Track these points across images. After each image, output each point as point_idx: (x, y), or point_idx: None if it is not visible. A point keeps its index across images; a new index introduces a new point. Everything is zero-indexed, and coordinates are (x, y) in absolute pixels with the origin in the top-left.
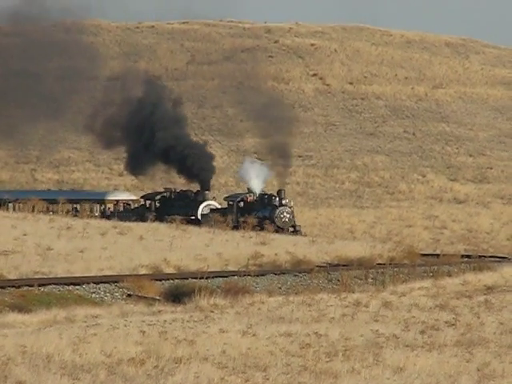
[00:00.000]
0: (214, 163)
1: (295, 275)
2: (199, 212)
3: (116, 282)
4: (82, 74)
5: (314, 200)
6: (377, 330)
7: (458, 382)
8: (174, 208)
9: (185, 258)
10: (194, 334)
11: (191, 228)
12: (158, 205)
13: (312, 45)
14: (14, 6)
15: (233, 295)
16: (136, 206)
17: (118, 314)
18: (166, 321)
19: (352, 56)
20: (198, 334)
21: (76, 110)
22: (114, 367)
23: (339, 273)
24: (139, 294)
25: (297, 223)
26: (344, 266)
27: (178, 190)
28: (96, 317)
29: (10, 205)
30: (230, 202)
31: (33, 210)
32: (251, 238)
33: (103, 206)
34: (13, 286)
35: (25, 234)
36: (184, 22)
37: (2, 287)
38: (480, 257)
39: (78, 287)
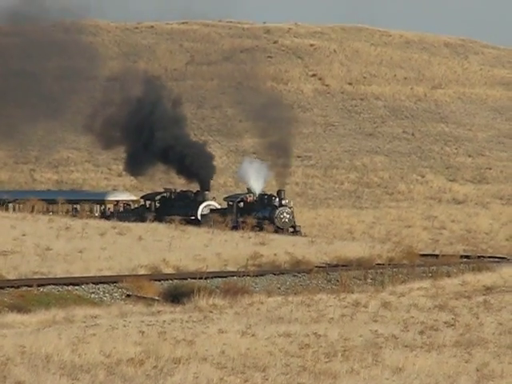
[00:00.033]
0: (214, 163)
1: (294, 275)
2: (199, 212)
3: (115, 282)
4: (82, 74)
5: (313, 200)
6: (376, 331)
7: (456, 383)
8: (174, 208)
9: (184, 258)
10: (193, 334)
11: (190, 228)
12: (157, 205)
13: (311, 45)
14: (13, 6)
15: (232, 295)
16: (136, 206)
17: (117, 314)
18: (165, 321)
19: (351, 56)
20: (197, 335)
21: (75, 110)
22: (113, 367)
23: (338, 273)
24: (138, 295)
25: (296, 223)
26: (343, 266)
27: (177, 191)
28: (95, 317)
29: (10, 205)
30: (230, 203)
31: (32, 211)
32: (250, 238)
33: (103, 207)
34: (12, 287)
35: (24, 235)
36: (183, 23)
37: (1, 287)
38: (479, 257)
39: (77, 287)
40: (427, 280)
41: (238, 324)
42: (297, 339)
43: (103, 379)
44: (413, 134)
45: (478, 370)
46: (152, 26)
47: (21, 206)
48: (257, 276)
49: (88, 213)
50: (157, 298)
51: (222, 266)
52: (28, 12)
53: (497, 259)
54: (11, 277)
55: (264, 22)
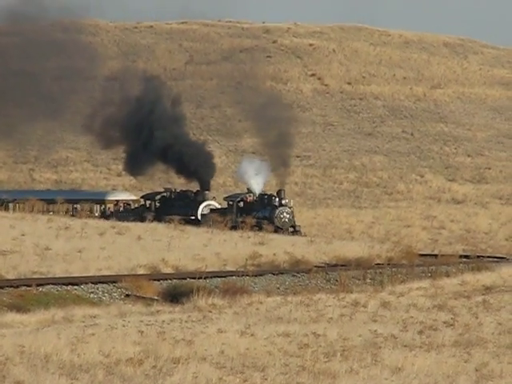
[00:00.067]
0: (214, 162)
1: (293, 275)
2: (199, 212)
3: (114, 282)
4: (81, 73)
5: (313, 200)
6: (375, 330)
7: (456, 383)
8: (174, 208)
9: (183, 258)
10: (192, 334)
11: (189, 228)
12: (157, 205)
13: (310, 45)
14: (11, 5)
15: (231, 295)
16: (136, 206)
17: (116, 314)
18: (164, 321)
19: (350, 56)
20: (196, 334)
21: (74, 109)
22: (112, 367)
23: (337, 273)
24: (137, 294)
25: (296, 223)
26: (342, 266)
27: (178, 190)
28: (94, 317)
29: (10, 205)
30: (230, 202)
31: (32, 210)
32: (249, 238)
33: (103, 206)
34: (11, 286)
35: (23, 234)
36: (182, 22)
37: (1, 287)
38: (478, 257)
39: (76, 287)
40: (426, 280)
41: (237, 324)
42: (296, 339)
43: (102, 379)
44: (412, 134)
45: (477, 370)
46: (151, 26)
47: (21, 205)
48: (256, 276)
49: (88, 212)
50: (156, 297)
51: (221, 266)
52: (27, 11)
53: (496, 259)
54: (10, 276)
55: (263, 22)
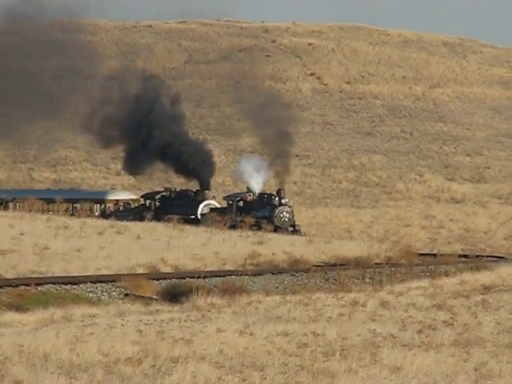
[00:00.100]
0: (214, 161)
1: (292, 275)
2: (199, 211)
3: (113, 281)
4: (80, 73)
5: (312, 199)
6: (374, 330)
7: (455, 382)
8: (174, 207)
9: (182, 257)
10: (191, 333)
11: (188, 227)
12: (157, 204)
13: (309, 44)
14: (10, 5)
15: (230, 295)
16: (136, 205)
17: (115, 313)
18: (163, 320)
19: (349, 55)
20: (195, 334)
21: (73, 109)
22: (111, 366)
23: (336, 272)
24: (136, 294)
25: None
26: (341, 265)
27: (177, 190)
28: (93, 316)
29: (11, 204)
30: (230, 202)
31: (31, 210)
32: (248, 237)
33: (103, 206)
34: (10, 286)
35: (22, 234)
36: (181, 22)
37: (0, 286)
38: (477, 256)
39: (75, 286)
40: (425, 279)
41: (236, 323)
42: (295, 338)
43: (101, 378)
44: (411, 134)
45: (476, 370)
46: (150, 25)
47: (21, 205)
48: (255, 275)
49: (88, 212)
50: (155, 297)
51: (220, 265)
52: (26, 11)
53: (495, 258)
54: (9, 276)
55: (262, 21)
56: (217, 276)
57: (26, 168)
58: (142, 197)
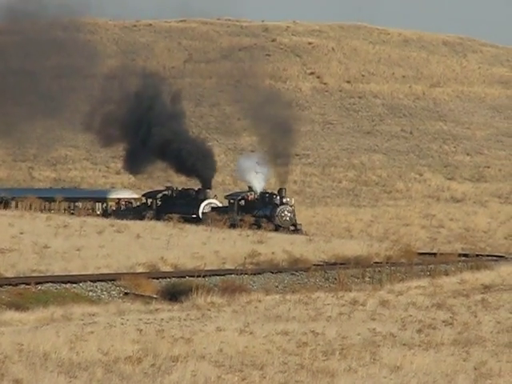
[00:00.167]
0: (215, 160)
1: (292, 274)
2: (200, 210)
3: (113, 280)
4: (80, 72)
5: (311, 199)
6: (374, 329)
7: (454, 381)
8: (176, 206)
9: (182, 256)
10: (190, 332)
11: (188, 226)
12: (159, 203)
13: (309, 43)
14: (10, 3)
15: (230, 293)
16: (138, 204)
17: (114, 312)
18: (162, 319)
19: (349, 54)
20: (194, 333)
21: (73, 108)
22: (110, 365)
23: (336, 271)
24: (136, 293)
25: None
26: (341, 264)
27: (179, 189)
28: (93, 315)
29: (12, 202)
30: (231, 201)
31: (30, 209)
32: (248, 236)
33: (105, 205)
34: (10, 284)
35: (22, 232)
36: (181, 21)
37: (0, 285)
38: (477, 256)
39: (74, 285)
40: (425, 278)
41: (236, 322)
42: (294, 337)
43: (101, 377)
44: (411, 133)
45: (475, 369)
46: (150, 24)
47: (23, 203)
48: (255, 274)
49: (90, 211)
50: (155, 296)
51: (220, 264)
52: (26, 9)
53: (495, 258)
54: (9, 275)
55: (262, 21)
56: (217, 275)
57: (26, 167)
58: (143, 196)
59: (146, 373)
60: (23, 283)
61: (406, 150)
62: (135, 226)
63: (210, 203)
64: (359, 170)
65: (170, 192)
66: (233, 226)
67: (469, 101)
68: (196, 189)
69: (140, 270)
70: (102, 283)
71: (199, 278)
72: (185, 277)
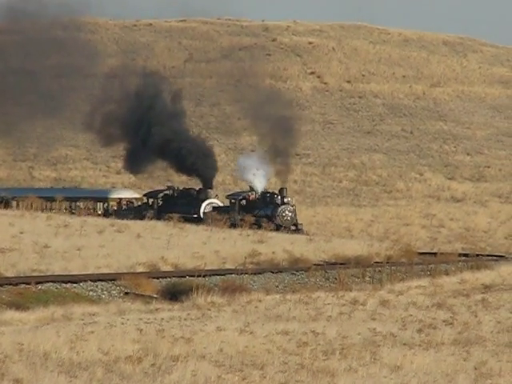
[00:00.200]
0: (216, 160)
1: (292, 273)
2: (201, 210)
3: (113, 279)
4: (80, 71)
5: (312, 198)
6: (374, 329)
7: (455, 381)
8: (177, 206)
9: (182, 255)
10: (191, 332)
11: (188, 226)
12: (160, 203)
13: (310, 43)
14: (11, 3)
15: (230, 293)
16: (139, 203)
17: (115, 311)
18: (163, 319)
19: (350, 54)
20: (195, 332)
21: (74, 107)
22: (111, 365)
23: (336, 271)
24: (136, 292)
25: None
26: (341, 264)
27: (180, 188)
28: (93, 315)
29: (13, 202)
30: (232, 201)
31: (32, 208)
32: (249, 236)
33: (106, 204)
34: (10, 284)
35: (22, 232)
36: (182, 20)
37: (0, 285)
38: (477, 255)
39: (75, 285)
40: (425, 278)
41: (236, 322)
42: (295, 337)
43: (101, 377)
44: (411, 132)
45: (476, 369)
46: (150, 24)
47: (23, 203)
48: (255, 274)
49: (91, 211)
50: (155, 295)
51: (220, 264)
52: (26, 9)
53: (495, 257)
54: (9, 274)
55: (263, 20)
56: (217, 275)
57: (27, 166)
58: (144, 195)
59: (146, 372)
60: (23, 283)
61: (406, 150)
62: (135, 225)
63: (211, 203)
64: (359, 169)
65: (171, 192)
66: (233, 225)
67: (469, 101)
68: (197, 188)
69: (140, 269)
70: (103, 283)
71: (199, 278)
72: (185, 276)
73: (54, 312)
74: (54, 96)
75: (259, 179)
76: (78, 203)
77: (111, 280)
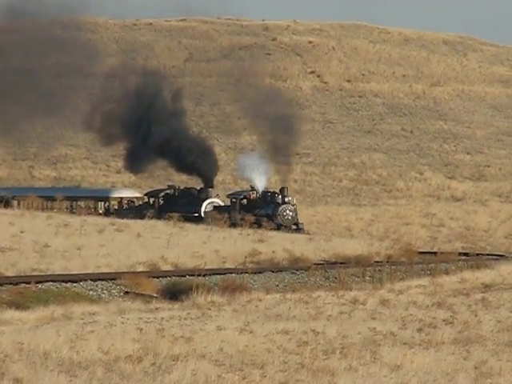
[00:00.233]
0: (216, 159)
1: (292, 273)
2: (202, 209)
3: (113, 279)
4: (80, 71)
5: (312, 198)
6: (374, 328)
7: (455, 380)
8: (178, 205)
9: (182, 255)
10: (191, 331)
11: (188, 225)
12: (161, 202)
13: (310, 42)
14: (11, 2)
15: (230, 293)
16: (140, 203)
17: (115, 311)
18: (163, 318)
19: (350, 54)
20: (195, 332)
21: (74, 107)
22: (111, 364)
23: (336, 270)
24: (136, 292)
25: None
26: (341, 263)
27: (181, 188)
28: (93, 314)
29: (14, 202)
30: (233, 200)
31: (32, 207)
32: (249, 235)
33: (107, 204)
34: (10, 283)
35: (22, 231)
36: (182, 20)
37: (0, 284)
38: (477, 255)
39: (75, 284)
40: (425, 277)
41: (236, 321)
42: (295, 336)
43: (101, 376)
44: (411, 132)
45: (476, 368)
46: (151, 23)
47: (24, 202)
48: (255, 273)
49: (92, 210)
50: (155, 295)
51: (220, 263)
52: (26, 8)
53: (495, 257)
54: (9, 274)
55: (263, 20)
56: (217, 274)
57: (27, 166)
58: (145, 195)
59: (146, 372)
60: (23, 282)
61: (406, 149)
62: (136, 225)
63: (212, 202)
64: (359, 169)
65: (172, 191)
66: (233, 225)
67: (469, 100)
68: (198, 188)
69: (140, 268)
70: (103, 282)
71: (199, 277)
72: (185, 276)
73: (54, 311)
74: (53, 95)
75: (259, 178)
76: (79, 202)
77: (111, 279)
